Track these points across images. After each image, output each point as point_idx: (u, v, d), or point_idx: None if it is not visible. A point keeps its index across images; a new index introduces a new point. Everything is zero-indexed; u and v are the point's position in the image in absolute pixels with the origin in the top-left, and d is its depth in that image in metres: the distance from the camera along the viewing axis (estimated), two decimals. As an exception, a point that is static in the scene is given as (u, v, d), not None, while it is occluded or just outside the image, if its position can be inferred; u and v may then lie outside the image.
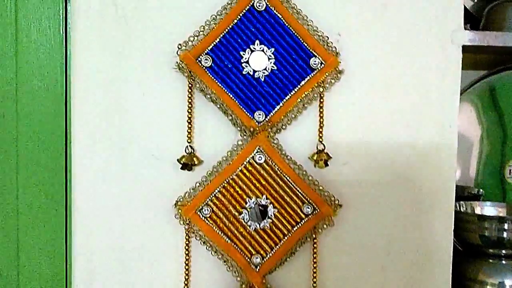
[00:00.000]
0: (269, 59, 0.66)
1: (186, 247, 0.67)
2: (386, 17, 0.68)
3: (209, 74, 0.65)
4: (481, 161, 0.94)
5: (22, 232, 0.68)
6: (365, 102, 0.68)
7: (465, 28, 0.69)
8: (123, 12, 0.66)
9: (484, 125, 0.93)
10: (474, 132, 0.93)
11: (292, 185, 0.67)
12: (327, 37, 0.66)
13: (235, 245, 0.67)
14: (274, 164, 0.66)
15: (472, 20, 0.90)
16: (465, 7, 0.70)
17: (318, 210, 0.67)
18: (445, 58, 0.68)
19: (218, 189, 0.66)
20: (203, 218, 0.66)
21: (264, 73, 0.66)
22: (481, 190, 0.94)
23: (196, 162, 0.67)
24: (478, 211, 0.84)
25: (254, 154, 0.66)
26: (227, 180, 0.66)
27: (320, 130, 0.67)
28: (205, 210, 0.66)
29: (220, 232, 0.67)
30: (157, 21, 0.66)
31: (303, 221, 0.67)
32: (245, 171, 0.66)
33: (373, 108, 0.68)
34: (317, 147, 0.67)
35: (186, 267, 0.68)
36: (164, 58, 0.66)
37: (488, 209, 0.85)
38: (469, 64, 0.77)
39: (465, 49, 0.69)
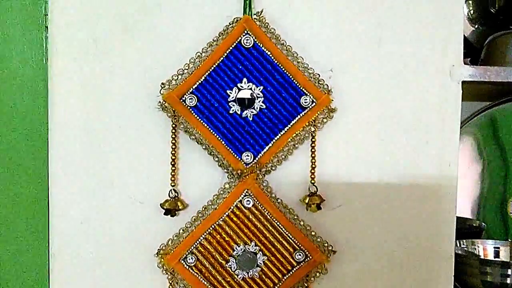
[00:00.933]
0: (257, 97, 0.62)
1: (170, 297, 0.64)
2: (381, 52, 0.64)
3: (194, 114, 0.62)
4: (483, 196, 0.90)
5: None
6: (360, 141, 0.65)
7: (465, 62, 0.66)
8: (104, 47, 0.63)
9: (485, 159, 0.89)
10: (475, 166, 0.89)
11: (283, 230, 0.63)
12: (319, 74, 0.63)
13: (222, 296, 0.63)
14: (263, 208, 0.63)
15: (470, 49, 0.87)
16: (464, 36, 0.67)
17: (311, 257, 0.63)
18: (444, 94, 0.65)
19: (204, 236, 0.62)
20: (187, 267, 0.62)
21: (252, 112, 0.62)
22: (483, 223, 0.90)
23: (180, 207, 0.63)
24: (480, 249, 0.81)
25: (242, 197, 0.62)
26: (213, 226, 0.63)
27: (312, 171, 0.64)
28: (189, 259, 0.62)
29: (206, 282, 0.62)
30: (139, 58, 0.63)
31: (295, 269, 0.63)
32: (232, 216, 0.63)
33: (369, 147, 0.65)
34: (309, 189, 0.64)
35: (170, 318, 0.64)
36: (146, 97, 0.63)
37: (490, 248, 0.81)
38: (468, 95, 0.74)
39: (465, 82, 0.66)
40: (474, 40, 0.89)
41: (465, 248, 0.81)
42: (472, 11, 0.89)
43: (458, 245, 0.80)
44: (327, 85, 0.63)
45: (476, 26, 0.90)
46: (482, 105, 0.88)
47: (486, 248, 0.81)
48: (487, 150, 0.89)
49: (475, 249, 0.81)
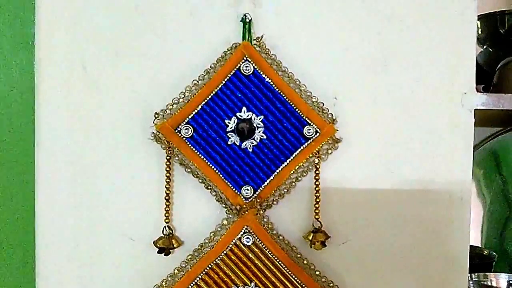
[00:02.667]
0: (257, 127, 0.59)
1: None
2: (388, 78, 0.61)
3: (189, 145, 0.58)
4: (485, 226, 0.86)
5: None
6: (366, 173, 0.61)
7: (477, 89, 0.62)
8: (93, 73, 0.60)
9: (488, 193, 0.85)
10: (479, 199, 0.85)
11: (285, 270, 0.59)
12: (322, 102, 0.59)
13: None
14: (264, 246, 0.59)
15: (479, 71, 0.83)
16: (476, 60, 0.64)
17: (315, 298, 0.59)
18: (455, 122, 0.61)
19: (200, 276, 0.58)
20: (183, 310, 0.58)
21: (252, 143, 0.59)
22: (493, 253, 0.86)
23: (175, 245, 0.59)
24: (493, 283, 0.76)
25: (241, 235, 0.58)
26: (210, 266, 0.58)
27: (316, 205, 0.60)
28: (185, 302, 0.58)
29: (202, 327, 0.58)
30: (132, 85, 0.60)
31: (298, 311, 0.59)
32: (230, 254, 0.59)
33: (376, 180, 0.61)
34: (313, 225, 0.60)
35: None
36: (139, 128, 0.60)
37: (503, 281, 0.77)
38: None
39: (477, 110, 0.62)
40: (483, 62, 0.85)
41: (478, 281, 0.77)
42: (480, 31, 0.86)
43: (470, 278, 0.76)
44: (332, 113, 0.59)
45: (485, 47, 0.87)
46: (492, 131, 0.84)
47: (499, 282, 0.77)
48: (490, 184, 0.84)
49: (488, 282, 0.77)
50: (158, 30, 0.60)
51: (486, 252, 0.88)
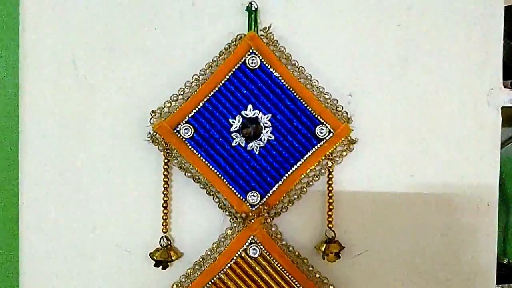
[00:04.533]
0: (265, 127, 0.54)
1: None
2: (408, 73, 0.57)
3: (190, 146, 0.54)
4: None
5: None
6: (385, 177, 0.57)
7: (504, 85, 0.58)
8: (84, 69, 0.56)
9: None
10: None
11: (295, 284, 0.54)
12: (336, 99, 0.55)
13: None
14: (272, 258, 0.54)
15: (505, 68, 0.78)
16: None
17: (329, 316, 0.54)
18: (480, 121, 0.57)
19: (202, 292, 0.54)
20: (182, 330, 0.53)
21: (258, 144, 0.54)
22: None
23: (173, 257, 0.55)
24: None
25: (247, 246, 0.54)
26: (213, 280, 0.54)
27: (330, 213, 0.55)
28: (185, 320, 0.53)
29: None
30: (126, 82, 0.56)
31: (310, 330, 0.54)
32: (235, 267, 0.54)
33: (395, 184, 0.57)
34: (326, 235, 0.55)
35: None
36: (134, 128, 0.56)
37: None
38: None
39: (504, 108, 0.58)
40: (504, 57, 0.80)
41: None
42: (502, 24, 0.81)
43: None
44: (346, 112, 0.55)
45: (505, 40, 0.82)
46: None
47: (524, 295, 0.72)
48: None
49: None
50: (155, 21, 0.56)
51: (504, 261, 0.83)
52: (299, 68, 0.55)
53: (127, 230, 0.56)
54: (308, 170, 0.55)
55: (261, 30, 0.55)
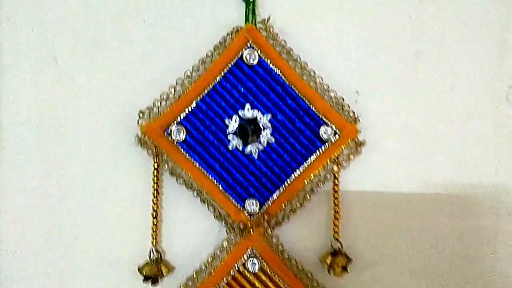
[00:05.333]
0: (264, 128, 0.51)
1: None
2: (420, 69, 0.54)
3: (182, 150, 0.52)
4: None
5: None
6: (395, 183, 0.54)
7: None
8: (66, 66, 0.53)
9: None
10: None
11: (298, 300, 0.52)
12: (342, 98, 0.53)
13: None
14: (272, 272, 0.52)
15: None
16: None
17: (335, 336, 0.50)
18: (498, 122, 0.54)
19: (196, 310, 0.51)
20: None
21: (257, 147, 0.52)
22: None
23: (164, 272, 0.53)
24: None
25: (246, 259, 0.52)
26: (208, 297, 0.51)
27: (335, 222, 0.53)
28: None
29: None
30: (111, 79, 0.54)
31: None
32: (233, 283, 0.52)
33: (407, 191, 0.54)
34: (331, 246, 0.52)
35: None
36: (120, 129, 0.53)
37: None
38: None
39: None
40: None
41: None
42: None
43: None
44: (353, 111, 0.53)
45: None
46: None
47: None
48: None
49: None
50: (143, 12, 0.53)
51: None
52: (301, 64, 0.53)
53: (112, 242, 0.54)
54: (312, 175, 0.52)
55: (259, 22, 0.53)
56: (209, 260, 0.53)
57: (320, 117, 0.52)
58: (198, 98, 0.52)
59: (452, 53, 0.54)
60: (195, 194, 0.53)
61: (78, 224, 0.54)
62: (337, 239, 0.53)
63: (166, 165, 0.53)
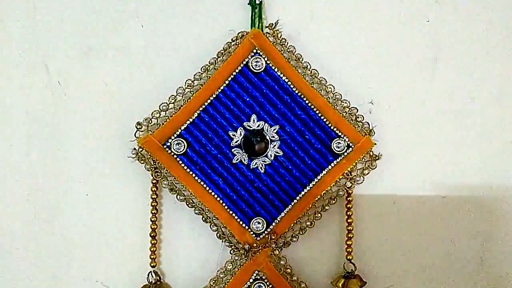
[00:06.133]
0: (271, 141, 0.49)
1: None
2: (438, 76, 0.51)
3: (182, 164, 0.49)
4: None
5: None
6: (413, 198, 0.52)
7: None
8: (58, 74, 0.51)
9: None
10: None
11: (309, 328, 0.48)
12: (356, 108, 0.49)
13: None
14: None
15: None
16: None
17: None
18: None
19: None
20: None
21: (264, 161, 0.49)
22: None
23: None
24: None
25: (251, 283, 0.49)
26: (211, 324, 0.48)
27: (349, 242, 0.50)
28: None
29: None
30: (106, 89, 0.51)
31: None
32: None
33: (425, 207, 0.51)
34: (344, 268, 0.50)
35: None
36: (116, 143, 0.51)
37: None
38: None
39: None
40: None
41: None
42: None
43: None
44: (368, 123, 0.50)
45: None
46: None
47: None
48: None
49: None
50: (141, 17, 0.51)
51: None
52: (311, 71, 0.51)
53: (108, 264, 0.52)
54: (323, 192, 0.50)
55: (266, 26, 0.51)
56: (212, 284, 0.50)
57: (332, 129, 0.49)
58: (200, 109, 0.50)
59: (472, 60, 0.52)
60: (196, 212, 0.50)
61: (73, 245, 0.52)
62: (350, 261, 0.50)
63: (165, 181, 0.50)
